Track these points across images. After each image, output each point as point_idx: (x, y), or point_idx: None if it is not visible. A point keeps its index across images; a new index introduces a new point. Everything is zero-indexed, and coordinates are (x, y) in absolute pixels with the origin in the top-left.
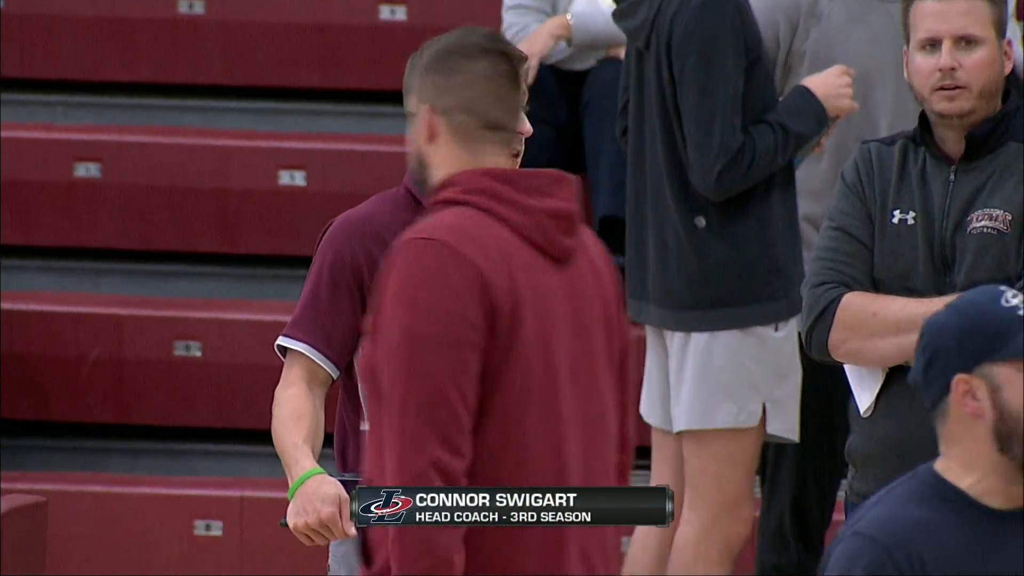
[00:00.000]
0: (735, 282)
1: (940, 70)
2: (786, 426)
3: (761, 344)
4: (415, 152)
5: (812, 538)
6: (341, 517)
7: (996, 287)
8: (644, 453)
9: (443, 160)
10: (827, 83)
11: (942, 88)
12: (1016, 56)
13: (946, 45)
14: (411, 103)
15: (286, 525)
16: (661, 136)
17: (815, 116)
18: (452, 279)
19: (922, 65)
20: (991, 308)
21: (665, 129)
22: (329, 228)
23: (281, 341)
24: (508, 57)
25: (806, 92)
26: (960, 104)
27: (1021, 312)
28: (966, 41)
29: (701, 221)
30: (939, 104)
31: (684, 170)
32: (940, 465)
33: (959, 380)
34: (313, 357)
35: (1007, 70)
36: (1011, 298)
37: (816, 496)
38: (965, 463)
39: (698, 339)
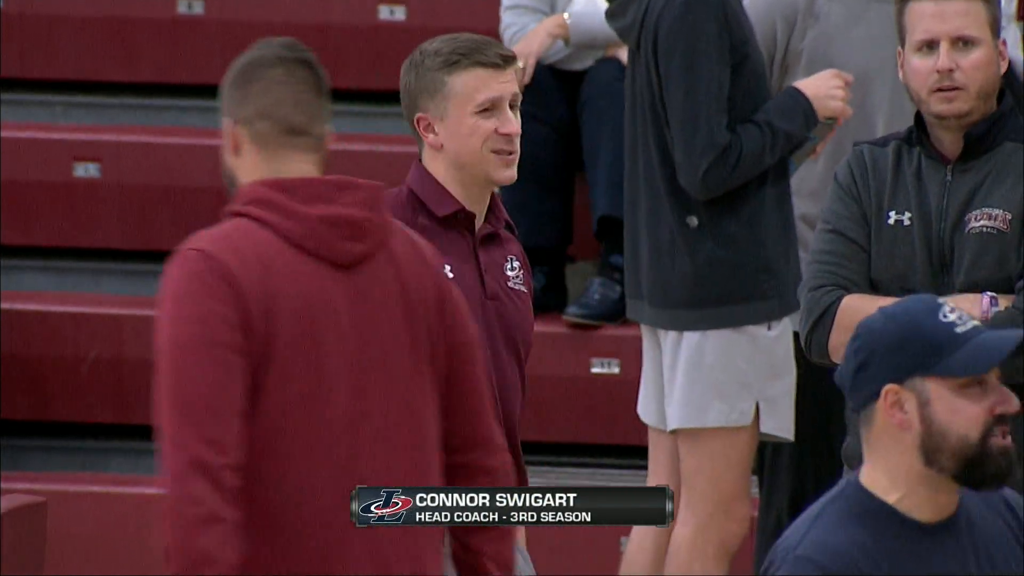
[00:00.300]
0: (726, 281)
1: (938, 71)
2: (780, 425)
3: (753, 343)
4: (225, 168)
5: None
6: None
7: (935, 298)
8: (642, 453)
9: (247, 171)
10: (818, 84)
11: (940, 89)
12: (1014, 57)
13: (944, 46)
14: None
15: None
16: (653, 135)
17: (803, 115)
18: (207, 283)
19: (919, 66)
20: (928, 321)
21: (656, 128)
22: None
23: None
24: (306, 63)
25: (795, 92)
26: (958, 105)
27: (958, 329)
28: (963, 42)
29: (693, 220)
30: (937, 106)
31: (675, 169)
32: (866, 479)
33: (888, 390)
34: None
35: (1002, 70)
36: (948, 312)
37: (815, 496)
38: (890, 475)
39: (691, 337)
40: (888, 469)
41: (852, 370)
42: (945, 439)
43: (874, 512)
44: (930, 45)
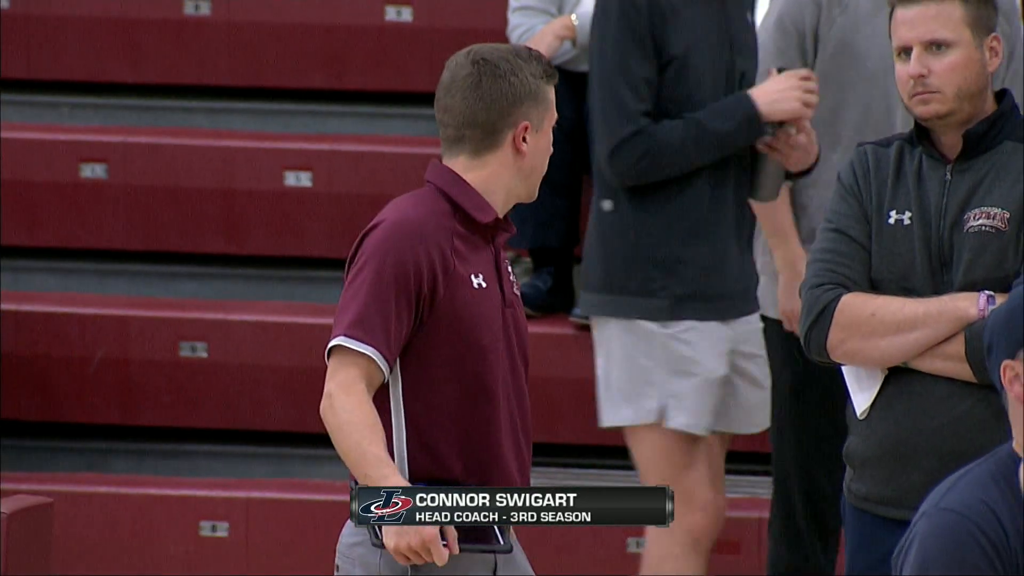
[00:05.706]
0: (621, 270)
1: (911, 77)
2: (688, 421)
3: (650, 339)
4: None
5: (829, 534)
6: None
7: None
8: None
9: None
10: (770, 89)
11: (917, 94)
12: (1017, 55)
13: (915, 52)
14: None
15: (380, 545)
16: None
17: (744, 117)
18: None
19: (900, 73)
20: None
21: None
22: (376, 230)
23: (344, 342)
24: None
25: (741, 96)
26: (935, 107)
27: None
28: (936, 45)
29: (607, 204)
30: (916, 108)
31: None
32: (1017, 447)
33: (1005, 366)
34: (377, 361)
35: (992, 67)
36: None
37: (831, 492)
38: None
39: (601, 331)
40: (1020, 441)
41: (986, 355)
42: None
43: (1010, 477)
44: (907, 51)
